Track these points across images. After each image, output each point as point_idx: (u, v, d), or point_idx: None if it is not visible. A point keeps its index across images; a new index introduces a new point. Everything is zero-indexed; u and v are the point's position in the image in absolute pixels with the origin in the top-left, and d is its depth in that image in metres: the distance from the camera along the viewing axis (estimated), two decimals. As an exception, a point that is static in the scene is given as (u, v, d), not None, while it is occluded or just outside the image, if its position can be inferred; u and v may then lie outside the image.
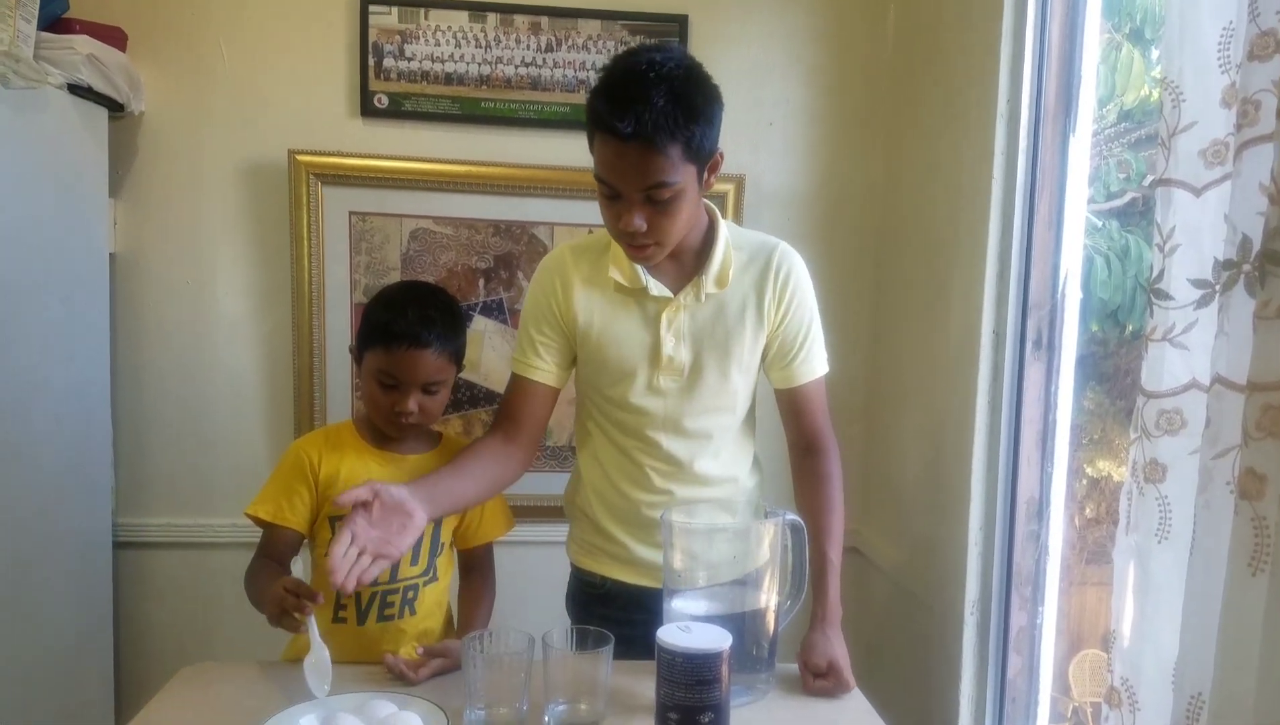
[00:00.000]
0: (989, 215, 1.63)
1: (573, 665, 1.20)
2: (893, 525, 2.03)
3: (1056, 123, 1.63)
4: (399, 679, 1.28)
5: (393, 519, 1.20)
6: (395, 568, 1.37)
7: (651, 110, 1.16)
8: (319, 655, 1.20)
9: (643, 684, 1.30)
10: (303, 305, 1.98)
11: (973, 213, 1.68)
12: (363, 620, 1.38)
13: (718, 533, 1.35)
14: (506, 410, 1.46)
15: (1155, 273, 1.08)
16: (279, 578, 1.23)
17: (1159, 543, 1.12)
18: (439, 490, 1.29)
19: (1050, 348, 1.64)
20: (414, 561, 1.40)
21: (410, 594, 1.40)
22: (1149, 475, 1.12)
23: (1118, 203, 1.88)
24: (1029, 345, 1.64)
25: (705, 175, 1.28)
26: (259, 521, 1.36)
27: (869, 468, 2.16)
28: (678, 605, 1.29)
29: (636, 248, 1.30)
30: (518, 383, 1.45)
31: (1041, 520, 1.65)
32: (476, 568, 1.51)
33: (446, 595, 1.49)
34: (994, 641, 1.64)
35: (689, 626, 1.15)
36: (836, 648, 1.35)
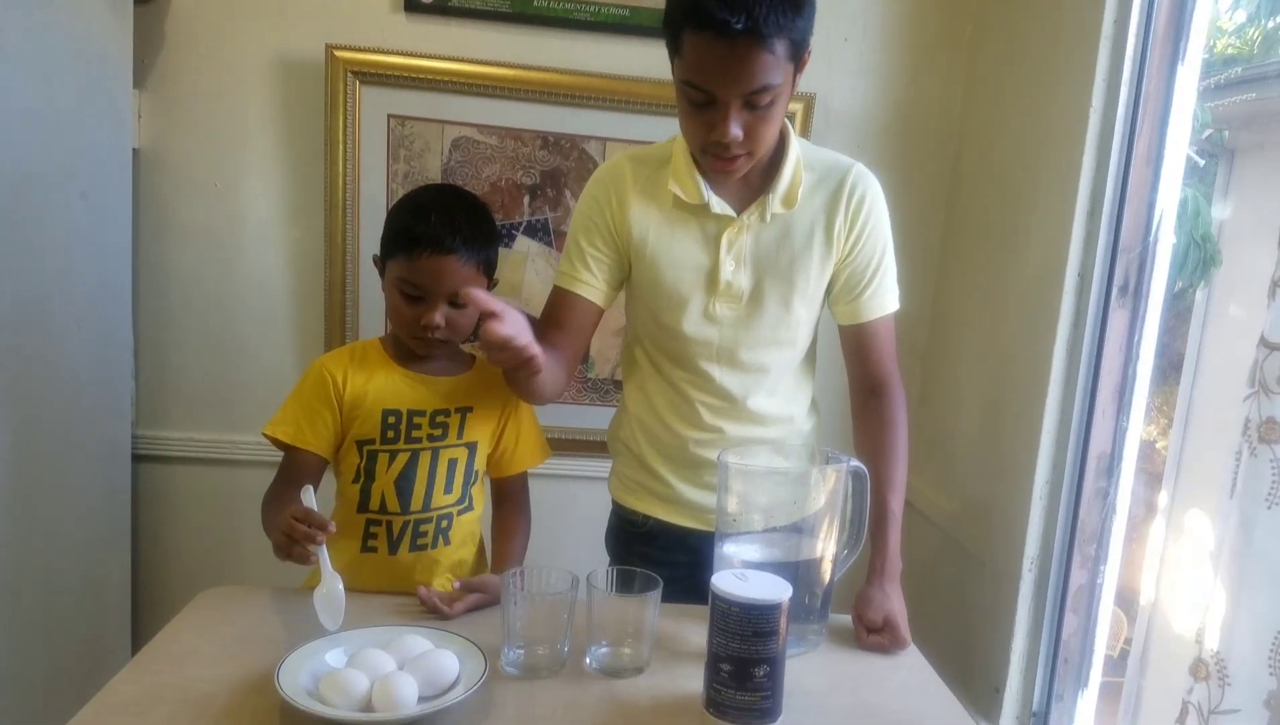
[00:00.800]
0: (1084, 147, 1.49)
1: (618, 608, 1.13)
2: (948, 476, 1.93)
3: (1165, 49, 1.48)
4: (433, 613, 1.22)
5: None
6: (429, 497, 1.30)
7: (761, 2, 1.04)
8: (331, 587, 1.13)
9: (687, 629, 1.23)
10: (335, 214, 1.87)
11: (1065, 144, 1.54)
12: (394, 550, 1.31)
13: (776, 476, 1.26)
14: (548, 319, 1.34)
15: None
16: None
17: (1268, 508, 1.02)
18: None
19: (1137, 294, 1.52)
20: (448, 489, 1.32)
21: (444, 523, 1.33)
22: (1264, 435, 1.02)
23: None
24: (1115, 290, 1.52)
25: (797, 76, 1.16)
26: (278, 443, 1.27)
27: (926, 413, 2.05)
28: (730, 550, 1.21)
29: (727, 160, 1.18)
30: (561, 296, 1.34)
31: (1111, 477, 1.55)
32: (511, 498, 1.43)
33: (480, 525, 1.42)
34: (1051, 601, 1.56)
35: (745, 574, 1.06)
36: (895, 603, 1.27)
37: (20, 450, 1.57)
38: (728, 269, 1.28)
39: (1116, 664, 2.64)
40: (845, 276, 1.32)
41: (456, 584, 1.25)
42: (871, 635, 1.26)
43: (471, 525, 1.38)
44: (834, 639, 1.26)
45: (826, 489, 1.20)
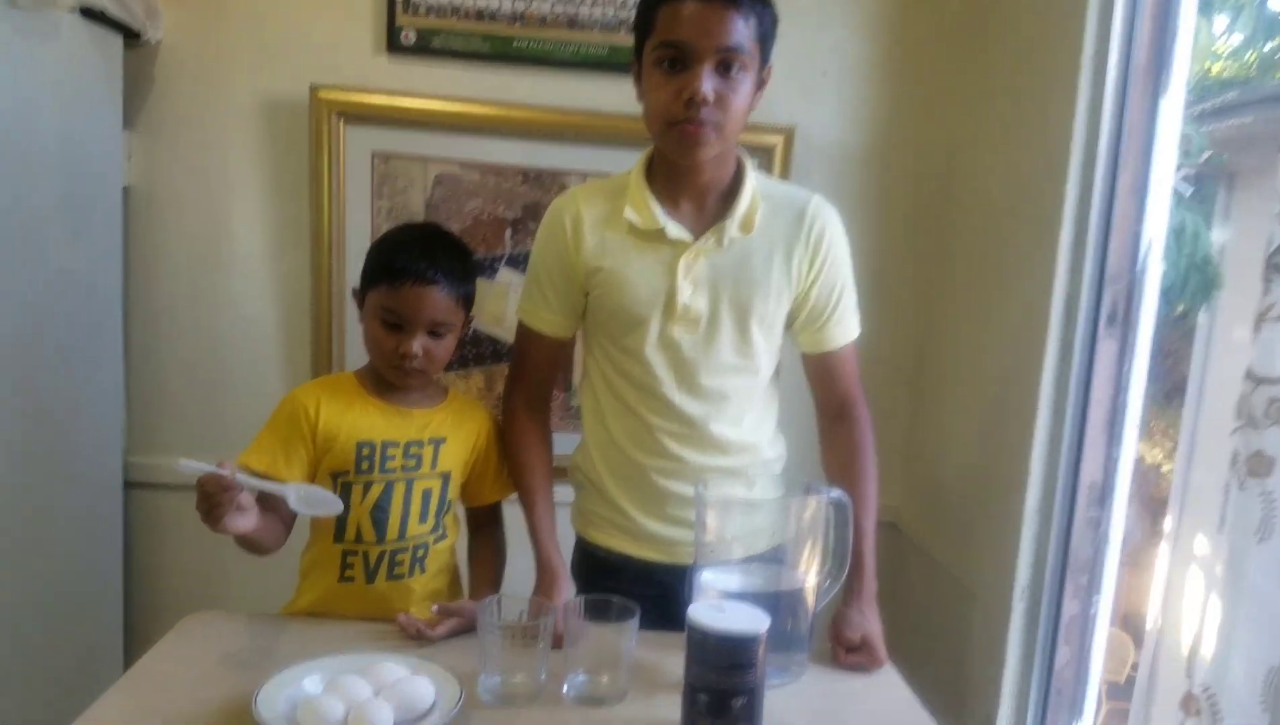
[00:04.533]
0: (1067, 179, 1.49)
1: (595, 636, 1.12)
2: (936, 503, 1.92)
3: (1147, 80, 1.48)
4: (414, 638, 1.21)
5: None
6: (404, 527, 1.31)
7: None
8: (300, 490, 1.15)
9: (664, 658, 1.21)
10: (321, 249, 1.88)
11: (1049, 176, 1.54)
12: (371, 579, 1.31)
13: (754, 507, 1.25)
14: (522, 369, 1.41)
15: (1274, 246, 0.96)
16: (274, 528, 1.17)
17: (1259, 542, 1.00)
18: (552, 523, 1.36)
19: (1126, 324, 1.51)
20: (423, 519, 1.32)
21: (420, 552, 1.33)
22: (1253, 469, 1.01)
23: (1175, 177, 1.74)
24: (1103, 320, 1.51)
25: (760, 81, 1.23)
26: (253, 473, 1.27)
27: (913, 441, 2.04)
28: (708, 579, 1.20)
29: (695, 125, 1.19)
30: (524, 331, 1.39)
31: (1104, 506, 1.53)
32: (485, 526, 1.44)
33: (454, 554, 1.42)
34: (1043, 631, 1.54)
35: (723, 605, 1.05)
36: (871, 623, 1.28)
37: (15, 477, 1.58)
38: (685, 292, 1.27)
39: (1123, 690, 2.60)
40: (808, 308, 1.33)
41: (435, 609, 1.24)
42: (849, 654, 1.26)
43: (446, 554, 1.38)
44: (816, 666, 1.24)
45: (806, 518, 1.19)
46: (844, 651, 1.27)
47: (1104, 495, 1.53)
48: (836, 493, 1.22)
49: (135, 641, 1.93)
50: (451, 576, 1.41)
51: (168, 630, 1.23)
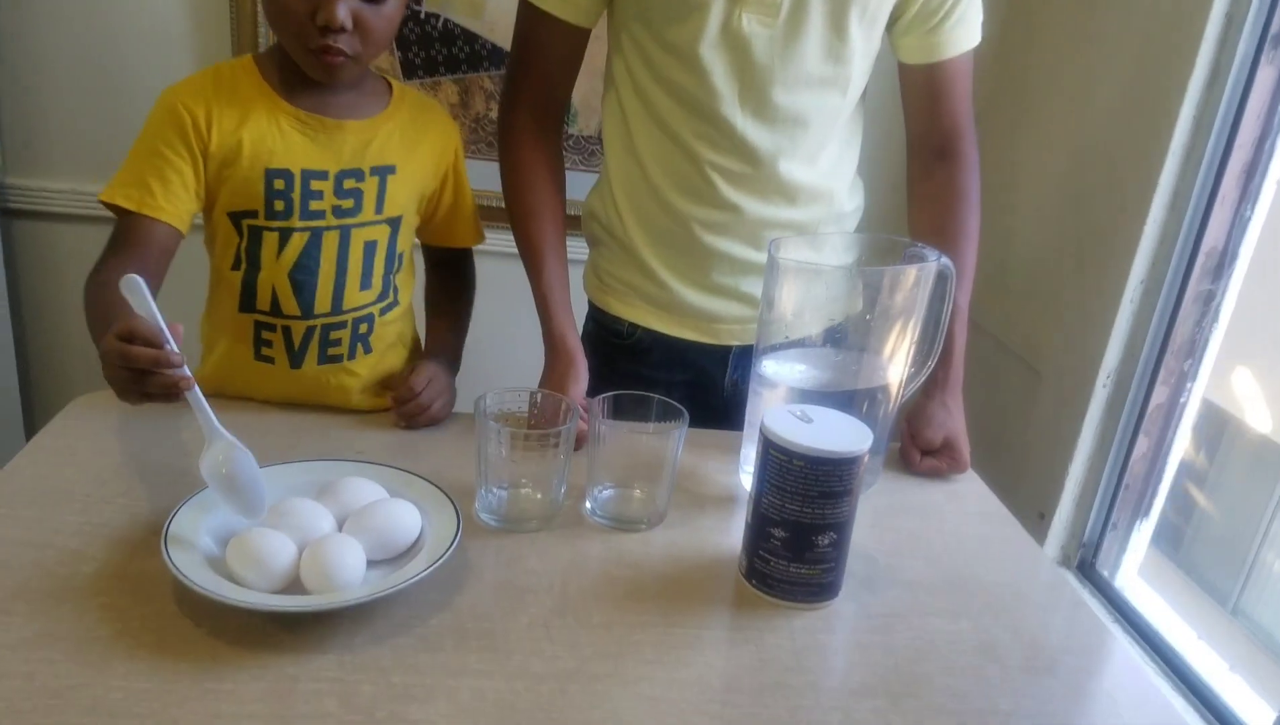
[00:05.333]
0: None
1: (628, 443, 0.85)
2: (1003, 271, 1.63)
3: None
4: (406, 421, 0.97)
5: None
6: (339, 295, 0.98)
7: None
8: (230, 460, 0.75)
9: (702, 463, 0.97)
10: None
11: None
12: (297, 363, 1.00)
13: (838, 278, 0.96)
14: (527, 72, 1.04)
15: None
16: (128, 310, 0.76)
17: None
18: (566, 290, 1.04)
19: (1300, 44, 1.16)
20: (365, 284, 1.00)
21: (363, 327, 1.01)
22: None
23: None
24: (1269, 39, 1.16)
25: None
26: (116, 210, 0.91)
27: (982, 188, 1.71)
28: (772, 370, 0.93)
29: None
30: (533, 19, 1.00)
31: (1220, 279, 1.27)
32: (450, 264, 1.12)
33: (411, 322, 1.11)
34: (1125, 420, 1.33)
35: (808, 414, 0.78)
36: (957, 420, 1.04)
37: None
38: None
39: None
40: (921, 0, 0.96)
41: (414, 379, 0.97)
42: (926, 458, 1.04)
43: (399, 325, 1.07)
44: (885, 472, 1.02)
45: (902, 291, 0.91)
46: (920, 454, 1.03)
47: (1222, 265, 1.27)
48: (945, 260, 0.92)
49: (37, 392, 1.66)
50: (410, 351, 1.11)
51: (75, 381, 0.95)
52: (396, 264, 1.02)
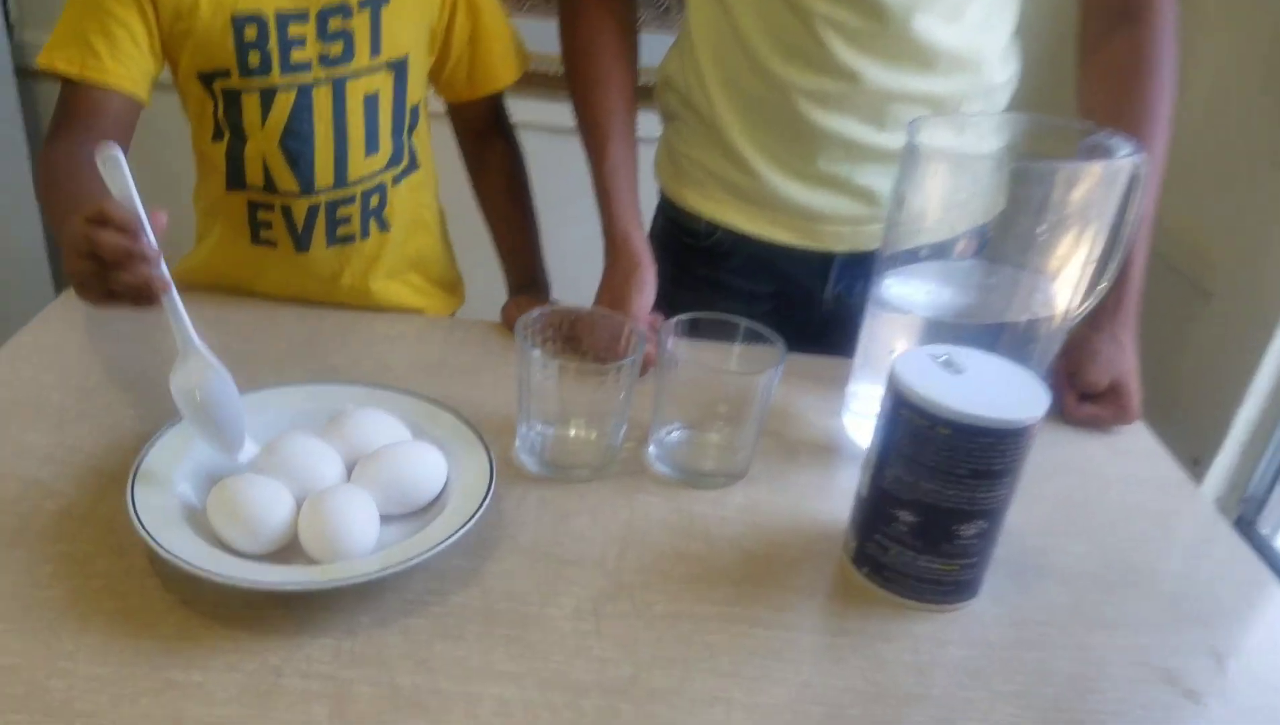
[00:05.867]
0: None
1: (708, 377, 0.68)
2: (1173, 160, 1.35)
3: None
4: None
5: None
6: (341, 163, 0.81)
7: None
8: (204, 382, 0.60)
9: (795, 400, 0.79)
10: None
11: None
12: (304, 246, 0.85)
13: (994, 171, 0.74)
14: None
15: None
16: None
17: None
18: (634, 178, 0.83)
19: None
20: (372, 146, 0.82)
21: (374, 201, 0.85)
22: None
23: None
24: None
25: None
26: (60, 76, 0.75)
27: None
28: (897, 291, 0.73)
29: None
30: None
31: None
32: (489, 137, 0.94)
33: (434, 193, 0.94)
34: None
35: (954, 358, 0.59)
36: (1128, 358, 0.83)
37: None
38: None
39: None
40: None
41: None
42: (1085, 404, 0.83)
43: (421, 194, 0.90)
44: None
45: (1079, 194, 0.69)
46: (1077, 398, 0.82)
47: None
48: (1139, 154, 0.69)
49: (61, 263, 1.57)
50: (440, 230, 0.95)
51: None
52: (409, 119, 0.84)
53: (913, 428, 0.55)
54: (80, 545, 0.58)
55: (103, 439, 0.67)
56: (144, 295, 0.58)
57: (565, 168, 0.97)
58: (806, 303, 0.92)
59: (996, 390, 0.56)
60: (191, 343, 0.60)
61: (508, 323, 0.85)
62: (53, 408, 0.70)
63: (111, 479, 0.62)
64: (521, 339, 0.65)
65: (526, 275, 0.97)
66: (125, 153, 0.57)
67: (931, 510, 0.56)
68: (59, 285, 1.60)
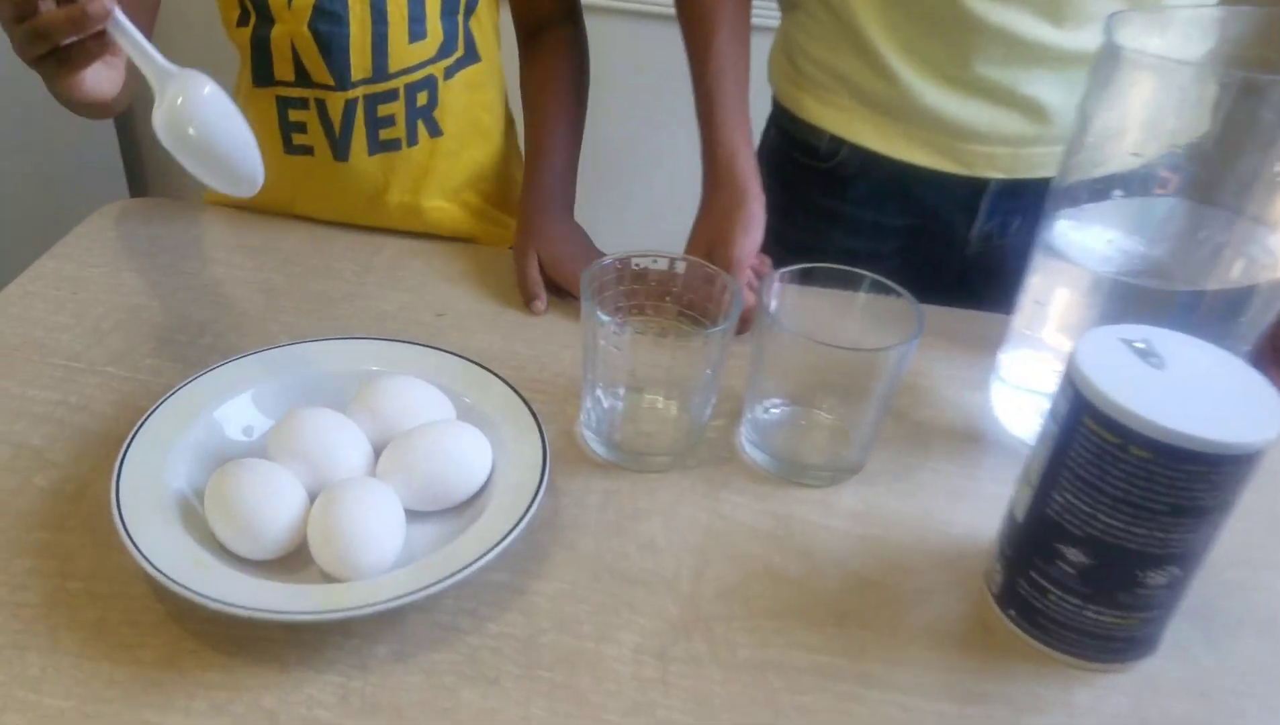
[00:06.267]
0: None
1: (815, 348, 0.54)
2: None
3: None
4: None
5: None
6: (380, 51, 0.68)
7: None
8: (186, 102, 0.47)
9: (935, 368, 0.64)
10: None
11: None
12: (342, 152, 0.73)
13: (1213, 79, 0.55)
14: None
15: None
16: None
17: None
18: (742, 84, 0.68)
19: None
20: (417, 33, 0.69)
21: (423, 98, 0.72)
22: None
23: None
24: None
25: None
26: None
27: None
28: (1075, 237, 0.56)
29: None
30: None
31: None
32: (553, 20, 0.78)
33: (499, 91, 0.79)
34: None
35: (1155, 346, 0.43)
36: None
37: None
38: None
39: None
40: None
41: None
42: None
43: (481, 94, 0.76)
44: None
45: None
46: (1281, 369, 0.65)
47: None
48: None
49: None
50: (503, 138, 0.80)
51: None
52: (463, 3, 0.70)
53: (1097, 444, 0.41)
54: (65, 535, 0.49)
55: (111, 397, 0.58)
56: (80, 25, 0.46)
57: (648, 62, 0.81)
58: (947, 242, 0.75)
59: (1211, 395, 0.41)
60: (162, 68, 0.48)
61: (517, 257, 0.70)
62: (61, 353, 0.62)
63: (113, 449, 0.53)
64: (588, 296, 0.52)
65: (545, 191, 0.75)
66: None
67: (1111, 551, 0.42)
68: (134, 190, 1.54)
